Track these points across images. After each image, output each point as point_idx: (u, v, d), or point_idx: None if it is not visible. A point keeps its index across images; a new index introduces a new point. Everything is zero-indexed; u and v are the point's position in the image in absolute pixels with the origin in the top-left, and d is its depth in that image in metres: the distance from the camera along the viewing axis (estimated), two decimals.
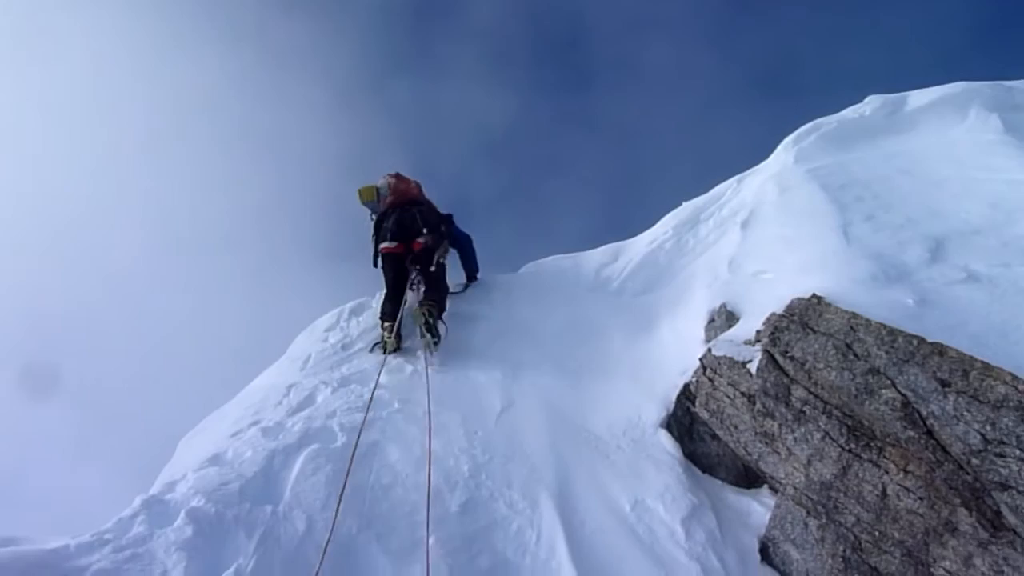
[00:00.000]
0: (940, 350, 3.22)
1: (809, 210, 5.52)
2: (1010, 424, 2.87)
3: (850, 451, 3.55)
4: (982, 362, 3.07)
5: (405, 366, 5.78)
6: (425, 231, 6.60)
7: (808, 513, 3.75)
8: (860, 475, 3.48)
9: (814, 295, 3.92)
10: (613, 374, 5.54)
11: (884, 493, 3.37)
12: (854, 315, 3.63)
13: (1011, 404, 2.90)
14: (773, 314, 4.10)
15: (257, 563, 3.42)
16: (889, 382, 3.30)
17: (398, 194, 6.92)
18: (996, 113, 6.61)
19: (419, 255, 6.55)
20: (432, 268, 6.60)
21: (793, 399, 3.85)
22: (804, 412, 3.79)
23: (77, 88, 46.89)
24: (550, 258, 8.11)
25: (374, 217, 7.00)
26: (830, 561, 3.56)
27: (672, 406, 4.89)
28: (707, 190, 7.78)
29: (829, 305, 3.80)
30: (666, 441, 4.68)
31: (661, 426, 4.80)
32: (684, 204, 7.75)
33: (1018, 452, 2.81)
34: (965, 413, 3.00)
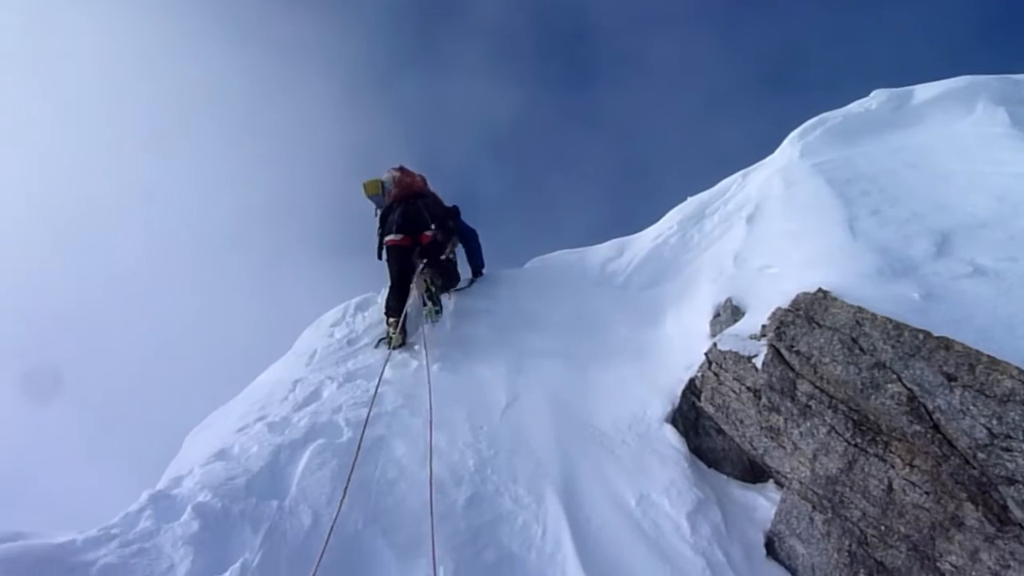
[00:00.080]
0: (946, 344, 3.20)
1: (815, 204, 5.50)
2: (1017, 418, 2.86)
3: (856, 445, 3.54)
4: (988, 356, 3.05)
5: (410, 361, 5.80)
6: (433, 227, 6.59)
7: (814, 508, 3.74)
8: (866, 469, 3.47)
9: (820, 289, 3.90)
10: (618, 369, 5.54)
11: (890, 487, 3.36)
12: (860, 309, 3.62)
13: (1018, 398, 2.89)
14: (779, 308, 4.09)
15: (263, 557, 3.44)
16: (895, 376, 3.29)
17: (403, 187, 6.90)
18: (1003, 106, 6.58)
19: (427, 248, 6.55)
20: (442, 258, 6.62)
21: (799, 393, 3.84)
22: (810, 407, 3.78)
23: (82, 85, 47.05)
24: (556, 253, 8.14)
25: (379, 211, 6.99)
26: (836, 555, 3.55)
27: (677, 400, 4.90)
28: (712, 185, 7.78)
29: (835, 299, 3.79)
30: (671, 436, 4.68)
31: (666, 421, 4.80)
32: (689, 199, 7.75)
33: None
34: (971, 407, 2.99)
